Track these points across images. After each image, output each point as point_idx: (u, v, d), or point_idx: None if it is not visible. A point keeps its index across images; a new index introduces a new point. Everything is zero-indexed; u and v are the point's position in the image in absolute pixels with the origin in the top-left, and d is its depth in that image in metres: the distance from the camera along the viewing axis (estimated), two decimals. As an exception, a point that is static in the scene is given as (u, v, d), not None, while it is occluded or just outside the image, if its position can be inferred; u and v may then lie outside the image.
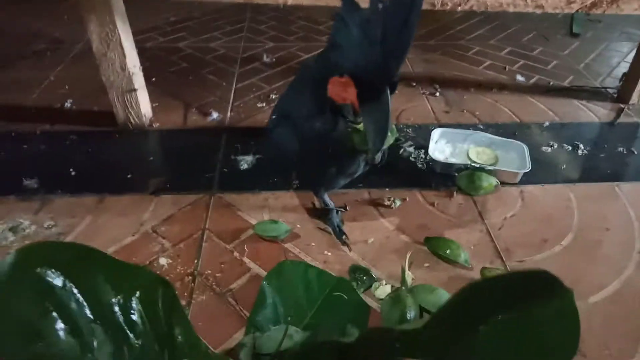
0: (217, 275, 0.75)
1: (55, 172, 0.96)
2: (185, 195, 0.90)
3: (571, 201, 0.91)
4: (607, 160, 1.03)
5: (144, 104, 1.09)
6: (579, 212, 0.88)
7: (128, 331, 0.43)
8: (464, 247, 0.79)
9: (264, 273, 0.75)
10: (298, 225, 0.84)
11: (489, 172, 0.93)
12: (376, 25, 0.52)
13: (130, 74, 1.01)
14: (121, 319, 0.43)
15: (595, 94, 1.29)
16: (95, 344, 0.41)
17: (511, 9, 0.95)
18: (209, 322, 0.67)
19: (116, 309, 0.43)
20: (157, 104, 1.19)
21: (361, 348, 0.48)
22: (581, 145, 1.07)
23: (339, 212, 0.86)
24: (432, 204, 0.90)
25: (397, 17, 0.51)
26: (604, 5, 0.97)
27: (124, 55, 0.98)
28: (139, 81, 1.05)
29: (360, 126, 0.64)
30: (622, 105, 1.22)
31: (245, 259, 0.78)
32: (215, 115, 1.15)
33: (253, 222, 0.85)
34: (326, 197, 0.85)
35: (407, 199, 0.91)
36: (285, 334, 0.58)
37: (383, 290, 0.71)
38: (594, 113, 1.21)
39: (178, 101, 1.22)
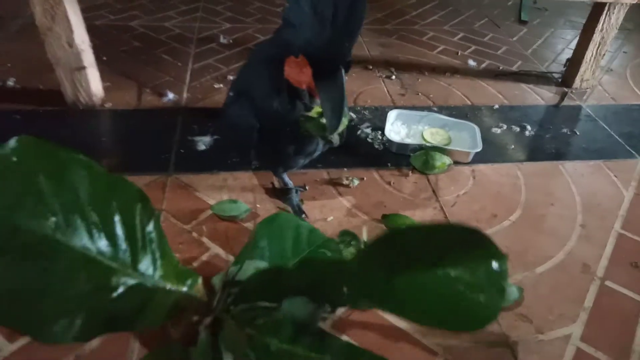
0: (176, 255, 0.73)
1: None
2: (140, 176, 0.88)
3: (519, 179, 0.96)
4: (552, 140, 1.09)
5: (95, 83, 1.05)
6: (526, 189, 0.93)
7: (100, 227, 0.50)
8: (419, 223, 0.82)
9: (223, 253, 0.75)
10: (258, 205, 0.84)
11: (443, 152, 0.96)
12: (327, 4, 0.52)
13: (79, 50, 0.97)
14: (96, 217, 0.50)
15: (541, 79, 1.35)
16: (65, 228, 0.47)
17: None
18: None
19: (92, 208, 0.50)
20: (108, 83, 1.14)
21: (300, 273, 0.55)
22: (528, 127, 1.12)
23: (298, 191, 0.87)
24: (389, 183, 0.92)
25: None
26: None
27: (71, 30, 0.94)
28: (88, 59, 1.01)
29: (314, 112, 0.65)
30: (565, 89, 1.29)
31: (204, 239, 0.77)
32: (170, 95, 1.13)
33: (211, 202, 0.84)
34: (285, 177, 0.85)
35: (365, 179, 0.92)
36: (243, 265, 0.62)
37: (349, 252, 0.73)
38: (541, 96, 1.26)
39: (131, 81, 1.18)
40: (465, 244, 0.48)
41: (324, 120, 0.64)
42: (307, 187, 0.89)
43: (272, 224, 0.70)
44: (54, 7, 0.89)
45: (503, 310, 0.69)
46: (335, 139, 0.71)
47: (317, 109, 0.66)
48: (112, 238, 0.51)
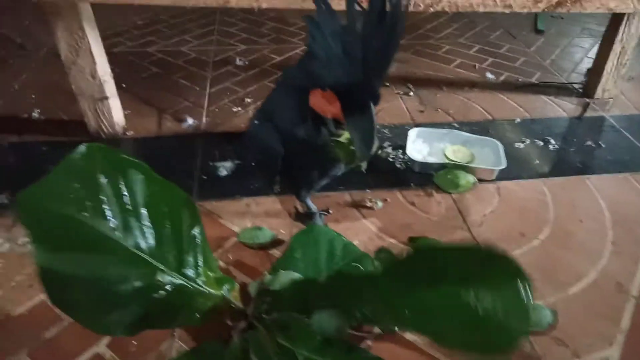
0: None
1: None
2: (165, 204, 0.89)
3: (545, 195, 0.94)
4: (576, 153, 1.07)
5: (117, 112, 1.07)
6: (553, 205, 0.91)
7: (151, 228, 0.55)
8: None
9: (249, 281, 0.74)
10: (282, 231, 0.84)
11: (467, 170, 0.95)
12: (356, 41, 0.52)
13: (102, 81, 0.99)
14: (147, 220, 0.54)
15: (562, 90, 1.33)
16: (122, 229, 0.52)
17: (481, 9, 0.97)
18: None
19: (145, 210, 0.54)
20: (129, 111, 1.16)
21: (330, 287, 0.57)
22: (552, 140, 1.10)
23: (322, 215, 0.86)
24: (413, 204, 0.91)
25: (379, 34, 0.51)
26: (568, 4, 1.00)
27: (94, 63, 0.96)
28: (110, 89, 1.02)
29: (343, 138, 0.65)
30: (587, 100, 1.27)
31: (231, 268, 0.77)
32: (190, 121, 1.14)
33: (236, 229, 0.84)
34: (309, 201, 0.85)
35: (389, 200, 0.92)
36: (279, 276, 0.65)
37: None
38: (562, 108, 1.25)
39: (151, 107, 1.20)
40: (491, 266, 0.48)
41: (353, 147, 0.64)
42: (330, 211, 0.88)
43: (307, 236, 0.72)
44: (78, 42, 0.91)
45: (538, 334, 0.68)
46: (364, 165, 0.71)
47: (345, 135, 0.66)
48: (161, 239, 0.56)
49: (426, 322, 0.48)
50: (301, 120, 0.63)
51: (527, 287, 0.45)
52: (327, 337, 0.59)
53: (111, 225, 0.51)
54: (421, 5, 0.94)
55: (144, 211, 0.54)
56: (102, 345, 0.65)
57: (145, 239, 0.55)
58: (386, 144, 1.07)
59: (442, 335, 0.49)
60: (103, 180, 0.52)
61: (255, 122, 0.69)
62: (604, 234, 0.85)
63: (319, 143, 0.65)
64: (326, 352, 0.58)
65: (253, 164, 0.90)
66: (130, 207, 0.53)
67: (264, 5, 0.86)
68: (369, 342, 0.66)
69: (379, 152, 1.04)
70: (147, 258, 0.54)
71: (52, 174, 0.50)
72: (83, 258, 0.48)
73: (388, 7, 0.50)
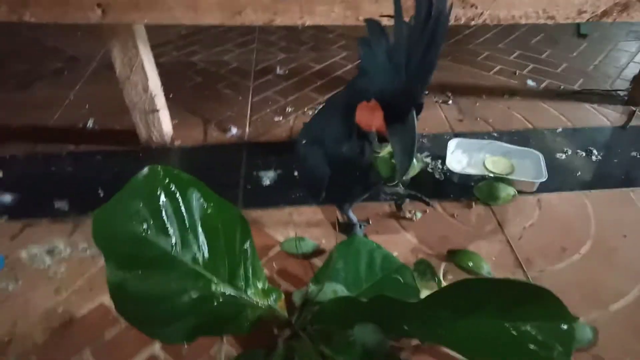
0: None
1: (85, 194, 0.99)
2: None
3: (587, 208, 0.93)
4: (620, 165, 1.05)
5: (165, 123, 1.12)
6: (595, 219, 0.91)
7: (206, 243, 0.59)
8: (486, 258, 0.81)
9: (293, 289, 0.78)
10: (323, 241, 0.87)
11: (507, 182, 0.95)
12: (401, 50, 0.54)
13: (153, 95, 1.04)
14: (203, 235, 0.59)
15: (605, 97, 1.30)
16: (180, 245, 0.56)
17: (523, 21, 0.97)
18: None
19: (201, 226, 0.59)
20: (176, 120, 1.22)
21: (377, 308, 0.58)
22: (594, 151, 1.09)
23: (362, 226, 0.89)
24: (453, 215, 0.92)
25: (421, 41, 0.53)
26: (614, 14, 0.99)
27: (147, 78, 1.01)
28: (160, 102, 1.08)
29: (384, 153, 0.67)
30: (633, 108, 1.24)
31: (275, 277, 0.80)
32: (234, 130, 1.18)
33: (279, 238, 0.87)
34: (350, 213, 0.87)
35: (428, 211, 0.93)
36: (324, 286, 0.68)
37: (423, 283, 0.75)
38: (606, 117, 1.22)
39: (197, 117, 1.25)
40: (535, 301, 0.50)
41: (394, 161, 0.66)
42: (370, 222, 0.90)
43: (348, 247, 0.75)
44: (132, 60, 0.97)
45: (577, 351, 0.68)
46: (406, 182, 0.73)
47: (387, 150, 0.68)
48: (215, 253, 0.60)
49: (469, 347, 0.50)
50: (346, 138, 0.66)
51: (570, 325, 0.46)
52: (367, 349, 0.61)
53: (172, 242, 0.55)
54: (462, 18, 0.94)
55: (200, 228, 0.59)
56: (156, 347, 0.70)
57: (202, 253, 0.59)
58: (425, 154, 1.08)
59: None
60: (164, 199, 0.56)
61: (303, 142, 0.72)
62: (649, 250, 0.84)
63: (362, 159, 0.68)
64: (367, 362, 0.61)
65: (300, 182, 0.93)
66: (188, 224, 0.57)
67: (308, 23, 0.89)
68: (407, 354, 0.68)
69: (419, 166, 1.06)
70: (203, 271, 0.58)
71: (119, 194, 0.54)
72: (148, 274, 0.52)
73: (432, 15, 0.52)
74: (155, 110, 1.06)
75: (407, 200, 0.90)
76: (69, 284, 0.80)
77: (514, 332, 0.50)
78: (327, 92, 1.36)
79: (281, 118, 1.24)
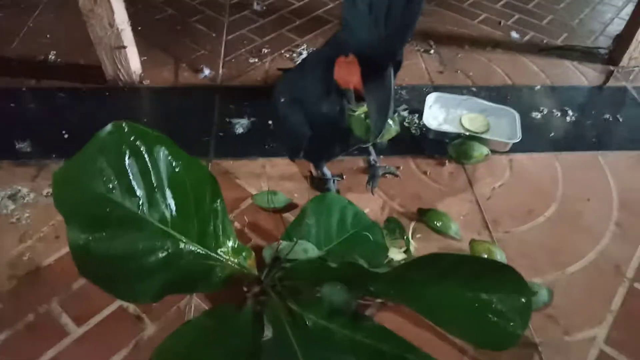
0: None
1: (48, 134, 0.95)
2: (183, 161, 0.91)
3: (557, 170, 0.95)
4: (593, 127, 1.06)
5: (134, 61, 1.06)
6: (563, 182, 0.93)
7: (174, 203, 0.58)
8: (454, 217, 0.83)
9: (264, 244, 0.78)
10: (296, 195, 0.86)
11: (481, 141, 0.95)
12: (381, 2, 0.51)
13: (119, 30, 0.97)
14: (171, 194, 0.58)
15: (587, 55, 1.29)
16: (147, 205, 0.55)
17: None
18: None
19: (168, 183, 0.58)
20: (145, 57, 1.15)
21: (342, 272, 0.59)
22: (570, 111, 1.09)
23: (336, 181, 0.88)
24: (425, 173, 0.93)
25: None
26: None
27: (112, 11, 0.94)
28: (127, 37, 1.01)
29: (359, 112, 0.65)
30: (612, 68, 1.24)
31: (246, 230, 0.80)
32: (207, 71, 1.13)
33: (251, 190, 0.87)
34: (324, 168, 0.87)
35: (401, 167, 0.93)
36: (295, 244, 0.68)
37: (395, 254, 0.75)
38: (585, 76, 1.22)
39: (167, 55, 1.19)
40: (497, 276, 0.52)
41: (369, 121, 0.65)
42: (344, 177, 0.90)
43: (321, 203, 0.75)
44: (95, -10, 0.89)
45: (533, 312, 0.72)
46: (384, 141, 0.72)
47: (363, 109, 0.66)
48: (184, 212, 0.59)
49: (435, 314, 0.53)
50: (325, 95, 0.63)
51: (528, 299, 0.48)
52: (335, 307, 0.63)
53: (139, 202, 0.54)
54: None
55: (168, 187, 0.57)
56: (126, 299, 0.70)
57: (170, 212, 0.58)
58: (403, 107, 1.07)
59: (450, 326, 0.54)
60: (130, 157, 0.54)
61: (282, 99, 0.70)
62: (609, 215, 0.87)
63: (342, 119, 0.66)
64: (333, 318, 0.63)
65: (279, 139, 0.91)
66: (155, 183, 0.56)
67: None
68: (373, 311, 0.70)
69: (395, 115, 1.04)
70: (171, 231, 0.57)
71: (81, 152, 0.52)
72: (114, 235, 0.51)
73: None
74: (122, 47, 1.00)
75: (378, 171, 0.89)
76: (34, 231, 0.78)
77: (476, 303, 0.52)
78: (305, 33, 1.29)
79: (256, 60, 1.19)
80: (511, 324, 0.51)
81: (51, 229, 0.78)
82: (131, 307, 0.69)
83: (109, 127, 0.53)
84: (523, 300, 0.51)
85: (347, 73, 0.59)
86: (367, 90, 0.59)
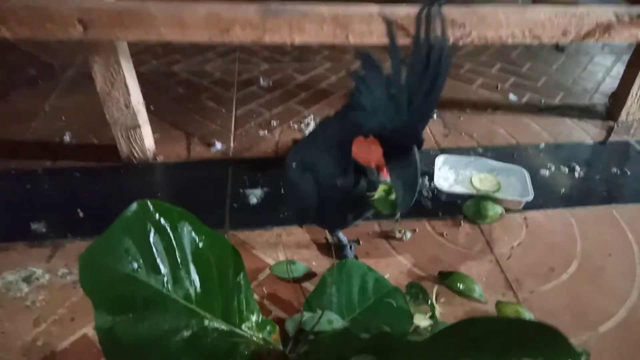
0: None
1: (63, 214, 0.95)
2: (198, 234, 0.91)
3: (573, 226, 0.95)
4: (602, 182, 1.07)
5: (148, 138, 1.09)
6: (581, 238, 0.92)
7: (198, 279, 0.56)
8: (477, 279, 0.82)
9: (284, 315, 0.76)
10: (314, 263, 0.85)
11: (494, 201, 0.96)
12: (401, 89, 0.53)
13: (135, 110, 1.01)
14: (195, 271, 0.56)
15: (585, 112, 1.33)
16: (172, 282, 0.54)
17: (510, 41, 0.98)
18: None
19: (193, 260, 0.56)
20: (158, 134, 1.18)
21: (376, 344, 0.55)
22: (577, 167, 1.10)
23: (352, 246, 0.88)
24: (442, 235, 0.92)
25: (423, 81, 0.52)
26: (596, 35, 1.01)
27: (128, 94, 0.98)
28: (142, 117, 1.05)
29: (380, 189, 0.66)
30: (611, 123, 1.27)
31: (266, 302, 0.79)
32: (218, 145, 1.16)
33: (268, 260, 0.86)
34: (340, 234, 0.86)
35: (417, 230, 0.93)
36: (321, 317, 0.65)
37: (421, 321, 0.73)
38: (586, 132, 1.25)
39: (179, 131, 1.22)
40: (539, 339, 0.49)
41: (392, 197, 0.65)
42: (360, 242, 0.90)
43: (340, 271, 0.74)
44: (113, 75, 0.93)
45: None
46: (397, 215, 0.72)
47: (383, 187, 0.67)
48: (208, 288, 0.57)
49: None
50: (343, 171, 0.64)
51: (575, 359, 0.46)
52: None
53: (164, 279, 0.53)
54: (451, 38, 0.95)
55: (192, 263, 0.56)
56: (144, 381, 0.67)
57: (194, 289, 0.56)
58: (412, 170, 1.08)
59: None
60: (154, 235, 0.54)
61: (293, 165, 0.71)
62: (633, 270, 0.85)
63: (356, 192, 0.67)
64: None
65: (288, 205, 0.91)
66: (179, 260, 0.55)
67: (297, 41, 0.88)
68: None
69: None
70: (196, 308, 0.56)
71: (107, 233, 0.51)
72: (140, 316, 0.50)
73: (432, 55, 0.51)
74: (137, 126, 1.03)
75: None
76: (49, 314, 0.76)
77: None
78: (312, 104, 1.34)
79: (266, 132, 1.22)
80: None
81: (66, 311, 0.77)
82: (151, 391, 0.66)
83: (134, 206, 0.53)
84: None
85: (367, 152, 0.60)
86: (391, 168, 0.59)
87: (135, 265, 0.51)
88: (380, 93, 0.55)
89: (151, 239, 0.53)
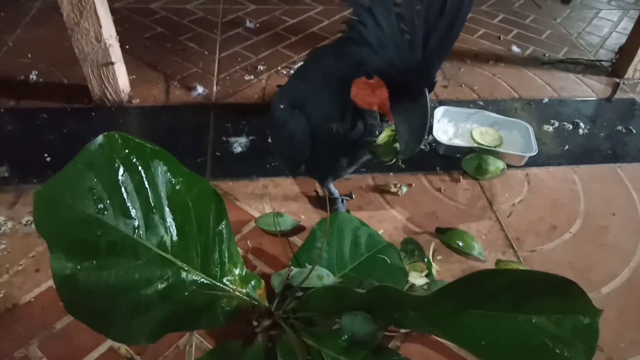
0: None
1: (28, 158, 0.87)
2: (177, 183, 0.83)
3: (576, 184, 0.90)
4: (607, 139, 1.02)
5: (122, 78, 0.99)
6: (584, 196, 0.87)
7: (175, 225, 0.50)
8: (475, 236, 0.77)
9: (270, 271, 0.71)
10: (302, 216, 0.79)
11: (495, 155, 0.90)
12: (417, 23, 0.46)
13: (107, 45, 0.91)
14: (171, 216, 0.50)
15: (590, 68, 1.26)
16: (144, 227, 0.48)
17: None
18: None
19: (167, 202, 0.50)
20: (134, 76, 1.08)
21: (373, 299, 0.51)
22: (581, 124, 1.05)
23: (344, 200, 0.82)
24: (439, 190, 0.86)
25: (443, 14, 0.45)
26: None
27: (100, 25, 0.88)
28: (116, 53, 0.95)
29: (382, 138, 0.59)
30: (617, 80, 1.21)
31: (250, 256, 0.73)
32: (200, 89, 1.06)
33: (253, 212, 0.79)
34: (331, 186, 0.80)
35: (413, 185, 0.87)
36: (310, 272, 0.60)
37: (416, 279, 0.68)
38: (591, 88, 1.19)
39: (157, 73, 1.12)
40: (553, 293, 0.44)
41: (396, 145, 0.59)
42: (353, 196, 0.83)
43: (331, 225, 0.68)
44: (82, 2, 0.83)
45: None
46: (399, 161, 0.66)
47: (388, 132, 0.60)
48: (185, 237, 0.51)
49: (474, 342, 0.45)
50: (339, 114, 0.57)
51: (593, 319, 0.41)
52: (356, 339, 0.56)
53: (135, 224, 0.46)
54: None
55: (167, 207, 0.50)
56: (116, 338, 0.61)
57: (170, 236, 0.50)
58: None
59: (494, 357, 0.46)
60: (123, 173, 0.46)
61: (281, 106, 0.63)
62: (637, 230, 0.81)
63: (353, 136, 0.60)
64: (354, 353, 0.56)
65: (276, 152, 0.84)
66: (153, 203, 0.48)
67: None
68: (397, 343, 0.63)
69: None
70: (171, 258, 0.50)
71: (67, 167, 0.44)
72: (105, 263, 0.43)
73: None
74: (109, 63, 0.93)
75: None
76: (12, 264, 0.69)
77: (528, 326, 0.45)
78: (302, 50, 1.25)
79: (252, 77, 1.13)
80: (572, 350, 0.43)
81: (31, 261, 0.70)
82: (123, 348, 0.60)
83: (99, 139, 0.45)
84: (586, 321, 0.43)
85: (369, 94, 0.53)
86: (398, 114, 0.53)
87: (101, 205, 0.44)
88: (390, 27, 0.48)
89: (120, 177, 0.46)
